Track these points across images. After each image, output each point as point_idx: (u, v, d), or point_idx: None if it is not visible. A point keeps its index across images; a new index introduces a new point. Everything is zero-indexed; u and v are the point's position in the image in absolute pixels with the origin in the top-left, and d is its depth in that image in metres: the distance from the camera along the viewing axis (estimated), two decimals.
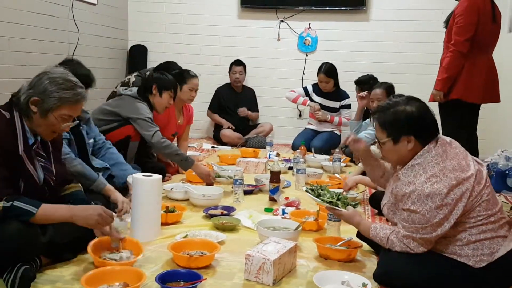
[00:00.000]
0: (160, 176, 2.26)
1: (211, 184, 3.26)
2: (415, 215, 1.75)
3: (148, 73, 4.70)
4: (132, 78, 4.66)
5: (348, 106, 5.15)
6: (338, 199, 2.06)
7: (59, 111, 1.85)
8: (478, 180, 1.78)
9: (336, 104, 5.18)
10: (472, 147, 3.37)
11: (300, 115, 5.84)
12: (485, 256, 1.74)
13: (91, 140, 2.71)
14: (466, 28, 3.13)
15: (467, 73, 3.18)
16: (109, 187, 2.50)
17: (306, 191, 2.13)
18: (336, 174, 3.76)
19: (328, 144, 5.00)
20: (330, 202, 2.02)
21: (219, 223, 2.44)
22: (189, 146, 4.81)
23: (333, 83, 5.10)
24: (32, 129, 1.88)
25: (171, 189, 2.99)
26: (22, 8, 3.99)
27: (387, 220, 2.00)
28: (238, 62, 5.52)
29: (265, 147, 4.94)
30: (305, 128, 5.36)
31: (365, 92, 4.39)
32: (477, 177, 1.78)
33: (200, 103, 5.14)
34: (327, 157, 4.47)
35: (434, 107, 3.41)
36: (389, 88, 3.70)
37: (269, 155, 4.65)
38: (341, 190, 3.12)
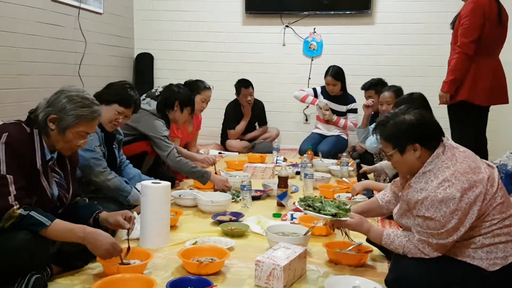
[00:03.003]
0: (169, 183, 2.26)
1: (229, 189, 3.28)
2: (430, 221, 1.73)
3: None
4: (160, 89, 4.71)
5: (355, 111, 5.14)
6: (338, 208, 2.03)
7: (76, 128, 1.89)
8: (491, 183, 1.76)
9: (343, 108, 5.17)
10: (481, 149, 3.34)
11: (306, 120, 5.83)
12: (499, 259, 1.72)
13: (118, 160, 2.78)
14: (472, 30, 3.12)
15: (474, 75, 3.17)
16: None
17: (305, 210, 2.10)
18: (344, 178, 3.74)
19: (335, 148, 4.99)
20: (334, 215, 2.00)
21: (228, 229, 2.43)
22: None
23: (341, 86, 5.09)
24: (49, 145, 1.91)
25: (179, 195, 2.99)
26: (29, 18, 4.03)
27: (398, 225, 1.98)
28: (246, 84, 5.23)
29: (272, 152, 4.93)
30: (312, 132, 5.36)
31: (371, 101, 4.32)
32: (490, 180, 1.76)
33: (207, 109, 5.12)
34: (334, 161, 4.46)
35: (443, 109, 3.44)
36: (397, 91, 3.68)
37: (276, 160, 4.65)
38: (349, 195, 3.13)
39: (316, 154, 4.81)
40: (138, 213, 2.26)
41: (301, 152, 5.03)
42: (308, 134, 5.42)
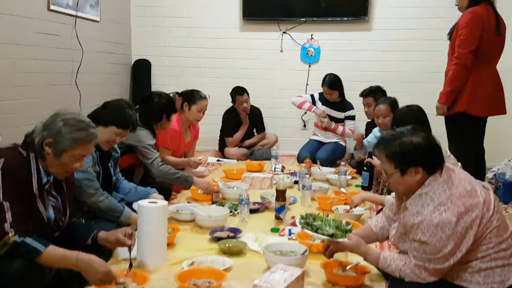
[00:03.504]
0: (166, 203, 2.25)
1: (217, 191, 3.34)
2: (426, 246, 1.73)
3: (171, 95, 4.75)
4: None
5: (352, 117, 5.13)
6: (336, 228, 2.03)
7: (72, 151, 1.89)
8: (487, 206, 1.76)
9: (341, 115, 5.17)
10: (478, 160, 3.35)
11: (304, 126, 5.83)
12: (496, 284, 1.72)
13: (114, 177, 2.77)
14: (470, 41, 3.11)
15: (472, 86, 3.17)
16: (136, 215, 2.51)
17: (302, 228, 2.09)
18: (342, 189, 3.74)
19: (334, 155, 4.99)
20: (331, 235, 1.99)
21: (226, 247, 2.43)
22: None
23: (338, 94, 5.08)
24: (46, 169, 1.91)
25: (177, 210, 2.98)
26: (26, 29, 4.02)
27: (396, 247, 1.98)
28: (241, 91, 5.25)
29: (270, 159, 4.93)
30: (310, 139, 5.35)
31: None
32: (486, 203, 1.76)
33: (205, 115, 5.10)
34: (332, 169, 4.46)
35: (441, 120, 3.44)
36: (392, 103, 3.68)
37: (275, 168, 4.64)
38: (347, 207, 3.13)
39: (314, 162, 4.81)
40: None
41: (300, 159, 5.03)
42: (306, 140, 5.42)
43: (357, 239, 1.97)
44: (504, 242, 1.77)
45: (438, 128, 3.37)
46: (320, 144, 5.22)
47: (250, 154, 5.44)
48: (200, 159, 3.92)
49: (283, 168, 4.62)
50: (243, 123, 5.35)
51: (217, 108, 5.56)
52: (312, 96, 5.23)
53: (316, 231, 2.05)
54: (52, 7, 4.29)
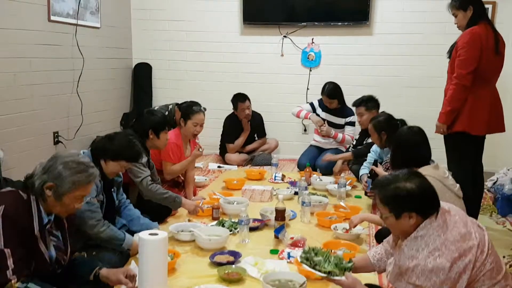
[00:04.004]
0: (166, 235, 2.29)
1: (217, 207, 3.44)
2: None
3: (170, 107, 4.79)
4: (155, 108, 4.78)
5: (352, 124, 5.15)
6: (335, 265, 2.06)
7: (73, 193, 1.93)
8: (481, 249, 1.79)
9: (341, 121, 5.18)
10: (476, 177, 3.37)
11: (305, 130, 5.85)
12: None
13: (116, 201, 2.81)
14: (469, 61, 3.11)
15: (471, 106, 3.17)
16: (137, 242, 2.57)
17: (301, 262, 2.13)
18: (341, 202, 3.77)
19: (334, 162, 5.01)
20: (329, 273, 2.03)
21: (225, 273, 2.48)
22: (195, 167, 4.86)
23: (338, 102, 5.09)
24: (46, 209, 1.95)
25: (177, 231, 3.02)
26: (27, 41, 4.03)
27: (392, 285, 2.01)
28: (242, 98, 5.24)
29: (270, 164, 4.96)
30: (310, 145, 5.37)
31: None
32: (480, 246, 1.79)
33: (207, 120, 5.12)
34: (332, 179, 4.49)
35: (440, 138, 3.45)
36: (379, 123, 3.70)
37: (275, 177, 4.69)
38: (346, 225, 3.17)
39: (314, 169, 4.85)
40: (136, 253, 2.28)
41: (300, 166, 5.06)
42: (307, 144, 5.44)
43: (353, 279, 2.00)
44: (497, 284, 1.80)
45: (437, 142, 3.40)
46: (320, 150, 5.24)
47: (251, 159, 5.48)
48: (200, 150, 3.85)
49: (283, 177, 4.67)
50: (244, 130, 5.37)
51: (218, 113, 5.60)
52: (311, 104, 5.24)
53: (314, 267, 2.08)
54: (52, 17, 4.30)
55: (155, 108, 4.86)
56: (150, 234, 2.27)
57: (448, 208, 1.91)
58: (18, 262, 1.79)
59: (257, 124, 5.51)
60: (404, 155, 2.77)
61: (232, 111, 5.40)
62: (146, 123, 3.40)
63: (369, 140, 4.32)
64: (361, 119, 4.53)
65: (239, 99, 5.28)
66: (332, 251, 2.70)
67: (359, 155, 4.45)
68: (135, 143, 2.68)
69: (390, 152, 3.02)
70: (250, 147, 5.49)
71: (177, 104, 4.67)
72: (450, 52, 3.30)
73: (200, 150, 3.82)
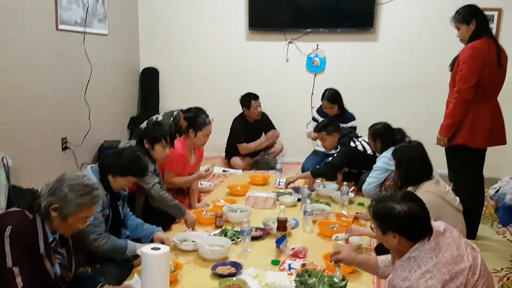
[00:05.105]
0: (168, 249, 2.35)
1: (220, 216, 3.52)
2: None
3: (175, 113, 4.87)
4: (160, 117, 4.87)
5: (354, 129, 5.18)
6: (330, 286, 2.11)
7: (78, 215, 2.01)
8: (472, 271, 1.84)
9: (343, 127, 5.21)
10: (477, 189, 3.40)
11: None
12: None
13: (122, 215, 2.88)
14: (470, 76, 3.13)
15: (472, 119, 3.20)
16: (140, 245, 2.66)
17: (296, 286, 2.19)
18: (343, 211, 3.82)
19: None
20: None
21: (226, 286, 2.54)
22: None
23: (338, 108, 5.15)
24: (51, 228, 2.03)
25: (180, 241, 3.09)
26: (35, 51, 4.09)
27: None
28: (254, 96, 5.41)
29: (275, 168, 5.02)
30: (314, 149, 5.42)
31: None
32: (472, 268, 1.84)
33: (213, 123, 5.17)
34: (335, 186, 4.53)
35: (441, 150, 3.48)
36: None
37: (279, 182, 4.74)
38: (346, 236, 3.21)
39: None
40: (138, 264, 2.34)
41: (304, 171, 5.10)
42: (311, 148, 5.49)
43: None
44: None
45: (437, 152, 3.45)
46: (324, 155, 5.27)
47: (255, 162, 5.54)
48: (208, 169, 3.95)
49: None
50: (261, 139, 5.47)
51: (224, 116, 5.66)
52: (314, 118, 5.35)
53: None
54: (60, 26, 4.37)
55: (161, 114, 4.93)
56: (153, 248, 2.35)
57: (442, 229, 1.95)
58: (26, 280, 1.86)
59: (265, 122, 5.58)
60: (405, 172, 2.85)
61: (239, 112, 5.48)
62: (145, 132, 3.48)
63: (329, 159, 4.51)
64: (324, 143, 4.65)
65: (252, 97, 5.39)
66: (332, 262, 2.77)
67: (318, 175, 4.47)
68: (142, 157, 2.75)
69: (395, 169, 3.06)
70: (265, 143, 5.53)
71: (182, 110, 4.74)
72: (452, 65, 3.32)
73: (207, 172, 3.88)
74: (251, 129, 5.49)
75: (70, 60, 4.58)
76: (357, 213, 3.36)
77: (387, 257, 2.27)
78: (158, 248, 2.34)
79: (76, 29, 4.60)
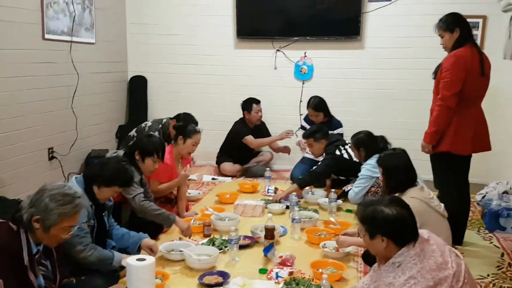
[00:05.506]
0: (153, 260, 2.35)
1: (208, 225, 3.48)
2: None
3: (165, 120, 4.88)
4: (149, 123, 4.88)
5: (341, 135, 5.20)
6: None
7: (60, 224, 1.99)
8: (456, 278, 1.85)
9: None
10: (463, 196, 3.42)
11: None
12: None
13: (107, 226, 2.85)
14: (453, 84, 3.16)
15: (456, 126, 3.22)
16: (126, 256, 2.63)
17: None
18: (331, 218, 3.82)
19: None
20: None
21: None
22: (189, 179, 4.91)
23: (323, 115, 5.19)
24: (35, 240, 2.01)
25: (168, 251, 3.07)
26: (22, 61, 4.09)
27: None
28: (257, 100, 5.44)
29: (263, 176, 5.02)
30: (303, 156, 5.43)
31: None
32: (456, 275, 1.85)
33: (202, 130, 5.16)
34: (323, 193, 4.54)
35: (426, 156, 3.52)
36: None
37: (268, 189, 4.75)
38: (334, 243, 3.21)
39: None
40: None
41: (293, 179, 5.12)
42: (301, 155, 5.50)
43: None
44: None
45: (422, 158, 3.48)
46: (313, 162, 5.28)
47: (245, 170, 5.54)
48: (185, 171, 3.89)
49: (275, 190, 4.72)
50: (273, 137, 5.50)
51: (212, 124, 5.69)
52: (302, 127, 5.39)
53: None
54: (47, 36, 4.36)
55: (150, 122, 4.94)
56: (138, 259, 2.33)
57: (427, 237, 1.97)
58: None
59: (265, 130, 5.62)
60: (391, 179, 2.89)
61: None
62: (138, 143, 3.47)
63: (314, 168, 4.53)
64: (311, 150, 4.71)
65: (255, 101, 5.44)
66: (320, 270, 2.77)
67: (304, 185, 4.43)
68: (127, 168, 2.74)
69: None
70: (269, 139, 5.53)
71: (171, 118, 4.76)
72: (435, 73, 3.36)
73: (186, 170, 3.87)
74: (251, 134, 5.47)
75: (57, 70, 4.56)
76: (342, 234, 3.28)
77: (364, 281, 2.24)
78: (144, 259, 2.33)
79: (63, 38, 4.59)
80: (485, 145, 3.37)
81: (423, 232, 2.00)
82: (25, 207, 1.99)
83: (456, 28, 3.28)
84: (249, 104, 5.44)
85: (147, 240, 2.89)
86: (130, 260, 2.31)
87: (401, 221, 1.93)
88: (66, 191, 2.04)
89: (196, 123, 4.80)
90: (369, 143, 3.98)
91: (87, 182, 2.63)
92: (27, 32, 4.14)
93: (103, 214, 2.76)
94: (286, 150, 5.56)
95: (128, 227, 3.07)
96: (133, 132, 4.86)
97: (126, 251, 2.82)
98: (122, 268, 2.61)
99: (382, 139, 3.98)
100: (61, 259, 2.17)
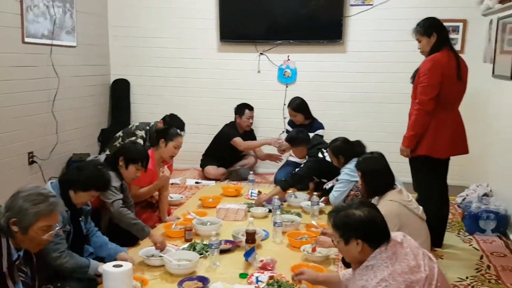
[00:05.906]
0: (130, 266, 2.33)
1: (189, 229, 3.49)
2: None
3: (152, 124, 4.87)
4: (136, 123, 4.88)
5: (321, 137, 5.20)
6: None
7: (37, 224, 1.97)
8: (429, 282, 1.87)
9: (310, 135, 5.24)
10: (442, 198, 3.46)
11: None
12: None
13: (85, 231, 2.82)
14: (430, 88, 3.20)
15: (433, 130, 3.26)
16: (102, 264, 2.59)
17: None
18: (313, 221, 3.84)
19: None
20: None
21: None
22: (172, 184, 4.90)
23: (304, 117, 5.23)
24: (16, 245, 1.98)
25: (147, 256, 3.05)
26: (2, 64, 4.05)
27: None
28: (250, 106, 5.48)
29: (247, 179, 5.02)
30: (287, 160, 5.44)
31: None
32: (428, 279, 1.87)
33: (186, 134, 5.13)
34: (306, 196, 4.56)
35: (404, 159, 3.55)
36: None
37: (251, 193, 4.74)
38: (314, 245, 3.22)
39: None
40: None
41: (276, 182, 5.11)
42: (284, 158, 5.51)
43: None
44: None
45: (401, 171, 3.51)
46: (297, 165, 5.29)
47: (229, 174, 5.53)
48: (163, 172, 3.84)
49: (259, 193, 4.72)
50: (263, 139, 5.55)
51: (195, 127, 5.67)
52: (287, 130, 5.40)
53: None
54: (26, 39, 4.31)
55: (135, 125, 4.93)
56: (115, 265, 2.32)
57: (400, 240, 1.99)
58: None
59: (254, 137, 5.66)
60: (370, 183, 2.91)
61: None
62: (123, 149, 3.45)
63: (296, 170, 4.59)
64: (294, 153, 4.86)
65: (248, 107, 5.47)
66: (295, 284, 2.77)
67: (286, 187, 4.41)
68: (104, 172, 2.73)
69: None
70: (259, 142, 5.57)
71: (158, 121, 4.80)
72: (413, 78, 3.39)
73: (165, 171, 3.84)
74: (242, 136, 5.48)
75: (37, 73, 4.51)
76: (324, 229, 3.35)
77: (348, 271, 2.30)
78: (121, 265, 2.32)
79: (43, 41, 4.54)
80: (463, 148, 3.41)
81: (397, 235, 2.01)
82: (1, 213, 1.98)
83: (433, 32, 3.31)
84: (242, 108, 5.47)
85: (123, 254, 2.87)
86: (106, 267, 2.29)
87: (373, 221, 1.96)
88: (40, 191, 2.04)
89: (183, 125, 4.83)
90: (346, 149, 4.04)
91: (63, 187, 2.60)
92: (6, 36, 4.08)
93: (80, 219, 2.73)
94: (273, 158, 5.55)
95: (108, 233, 3.05)
96: (120, 133, 4.85)
97: (103, 260, 2.78)
98: (100, 275, 2.59)
99: (359, 143, 4.05)
100: (41, 265, 2.15)
